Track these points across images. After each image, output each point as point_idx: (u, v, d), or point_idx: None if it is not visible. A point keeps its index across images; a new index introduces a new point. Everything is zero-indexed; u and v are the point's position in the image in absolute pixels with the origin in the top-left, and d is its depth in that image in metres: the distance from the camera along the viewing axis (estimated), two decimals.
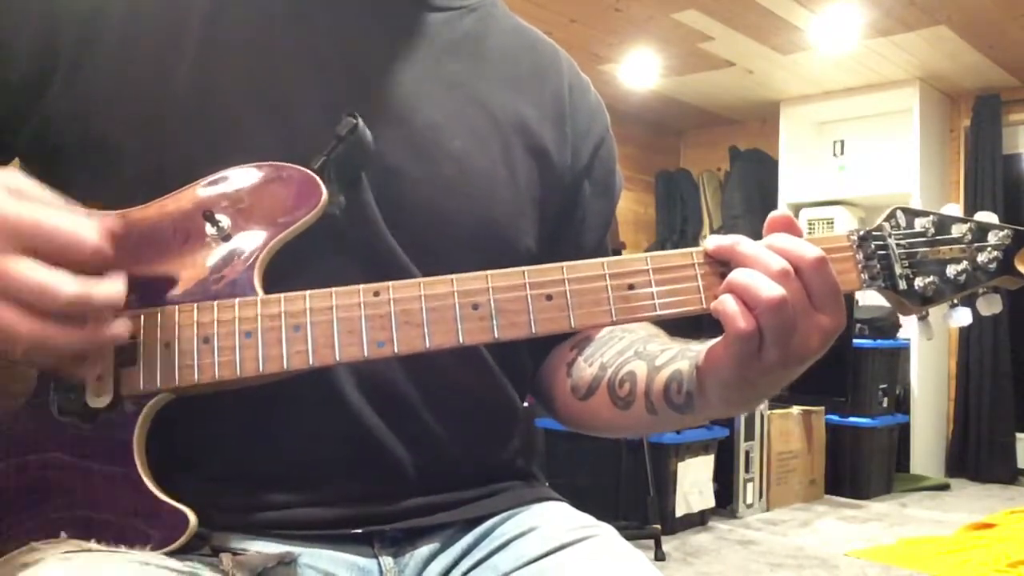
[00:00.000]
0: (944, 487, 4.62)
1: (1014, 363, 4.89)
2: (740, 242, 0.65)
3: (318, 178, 0.69)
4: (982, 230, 0.69)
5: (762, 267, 0.63)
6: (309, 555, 0.70)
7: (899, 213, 0.69)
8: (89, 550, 0.62)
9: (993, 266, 0.68)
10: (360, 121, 0.70)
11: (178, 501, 0.65)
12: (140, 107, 0.70)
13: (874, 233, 0.69)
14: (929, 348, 4.86)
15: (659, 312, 0.67)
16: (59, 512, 0.65)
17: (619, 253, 5.15)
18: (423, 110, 0.77)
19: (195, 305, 0.66)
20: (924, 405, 4.88)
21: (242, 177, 0.69)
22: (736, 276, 0.63)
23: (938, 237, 0.68)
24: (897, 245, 0.68)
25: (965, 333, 4.94)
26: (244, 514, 0.70)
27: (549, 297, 0.66)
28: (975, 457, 4.86)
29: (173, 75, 0.71)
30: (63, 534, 0.64)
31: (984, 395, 4.88)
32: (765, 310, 0.62)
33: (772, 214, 0.67)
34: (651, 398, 0.75)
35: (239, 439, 0.70)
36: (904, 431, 4.68)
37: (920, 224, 0.69)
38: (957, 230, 0.69)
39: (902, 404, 4.72)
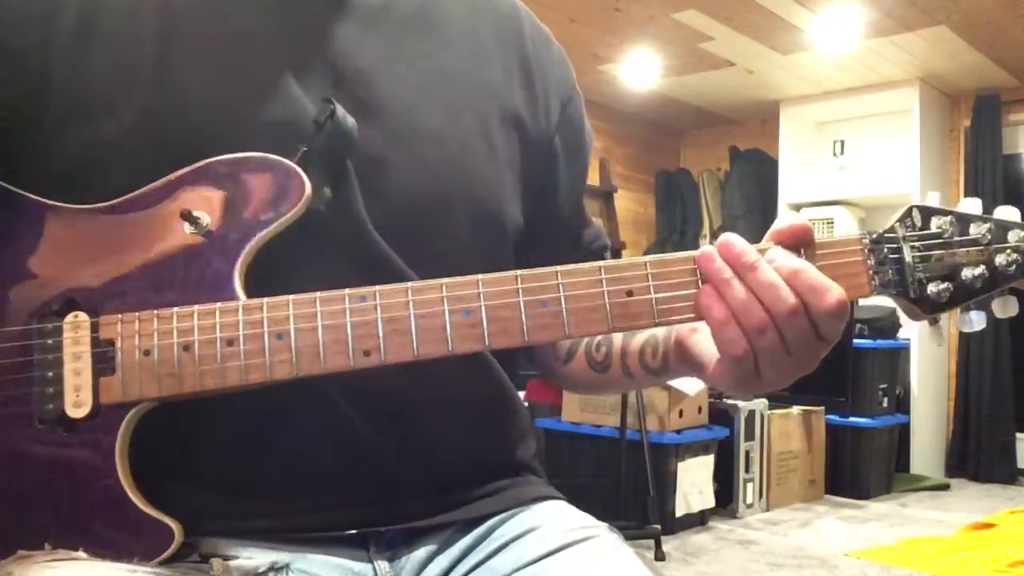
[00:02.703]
0: (944, 487, 4.62)
1: (1014, 363, 4.89)
2: (731, 285, 0.62)
3: (301, 171, 0.65)
4: (1002, 229, 0.64)
5: (744, 318, 0.62)
6: (301, 560, 0.69)
7: (915, 212, 0.66)
8: (76, 558, 0.61)
9: (1012, 269, 0.64)
10: (338, 106, 0.67)
11: (167, 507, 0.64)
12: (104, 100, 0.67)
13: (887, 235, 0.65)
14: (929, 348, 4.85)
15: (658, 320, 0.64)
16: (44, 522, 0.63)
17: (619, 253, 5.15)
18: (392, 93, 0.74)
19: (174, 311, 0.63)
20: (924, 405, 4.88)
21: (221, 170, 0.66)
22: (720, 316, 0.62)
23: (955, 239, 0.64)
24: (911, 247, 0.65)
25: (966, 333, 4.93)
26: (235, 520, 0.68)
27: (543, 304, 0.63)
28: (975, 457, 4.86)
29: (137, 73, 0.68)
30: (47, 545, 0.62)
31: (984, 395, 4.88)
32: (754, 341, 0.62)
33: (787, 222, 0.65)
34: (627, 361, 0.76)
35: (229, 444, 0.68)
36: (904, 431, 4.68)
37: (936, 224, 0.65)
38: (975, 229, 0.64)
39: (902, 404, 4.71)
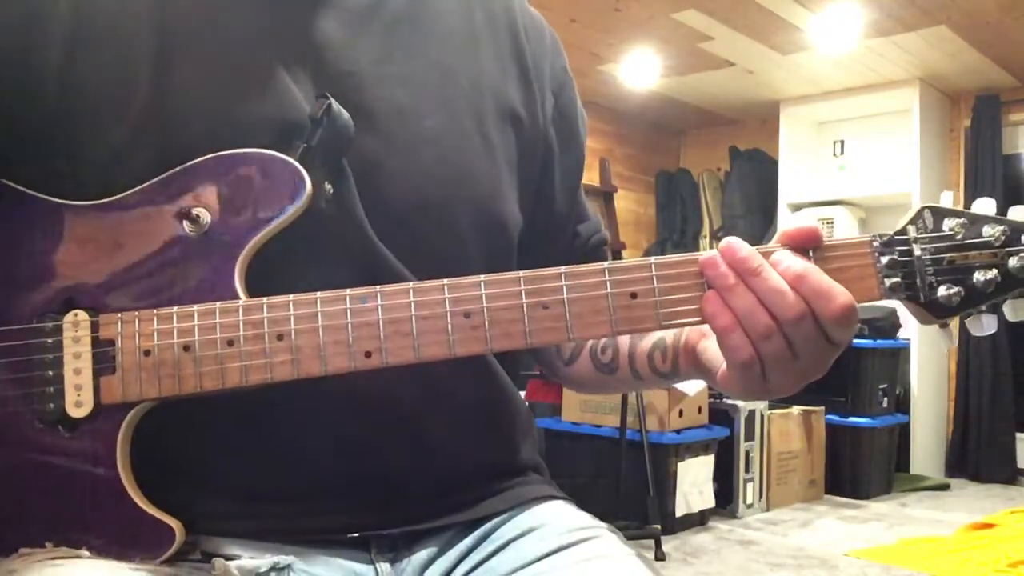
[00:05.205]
0: (944, 487, 4.62)
1: (1014, 363, 4.89)
2: (736, 292, 0.61)
3: (301, 167, 0.65)
4: (1016, 231, 0.62)
5: (749, 325, 0.61)
6: (303, 561, 0.69)
7: (927, 213, 0.64)
8: (79, 556, 0.62)
9: None
10: (333, 100, 0.67)
11: (169, 507, 0.64)
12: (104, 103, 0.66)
13: (898, 238, 0.63)
14: (929, 348, 4.85)
15: (662, 324, 0.63)
16: (46, 522, 0.63)
17: (619, 255, 5.14)
18: (386, 96, 0.73)
19: (174, 310, 0.63)
20: (924, 405, 4.88)
21: (220, 167, 0.65)
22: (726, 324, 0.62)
23: (966, 241, 0.62)
24: (922, 250, 0.63)
25: (965, 333, 4.93)
26: (236, 521, 0.68)
27: (545, 306, 0.63)
28: (975, 457, 4.86)
29: (137, 79, 0.67)
30: (48, 545, 0.62)
31: (984, 395, 4.88)
32: (760, 347, 0.61)
33: (796, 225, 0.63)
34: (635, 366, 0.76)
35: (231, 446, 0.68)
36: (904, 431, 4.68)
37: (948, 225, 0.63)
38: (989, 231, 0.62)
39: (902, 404, 4.72)
